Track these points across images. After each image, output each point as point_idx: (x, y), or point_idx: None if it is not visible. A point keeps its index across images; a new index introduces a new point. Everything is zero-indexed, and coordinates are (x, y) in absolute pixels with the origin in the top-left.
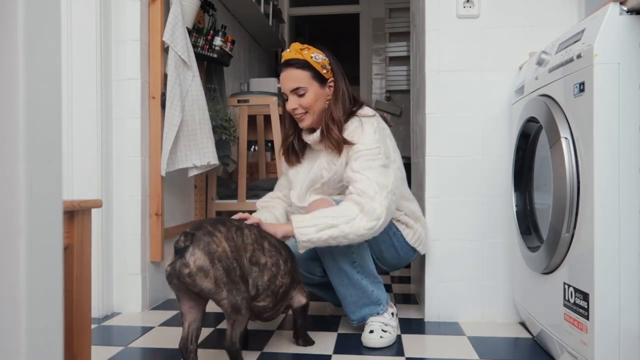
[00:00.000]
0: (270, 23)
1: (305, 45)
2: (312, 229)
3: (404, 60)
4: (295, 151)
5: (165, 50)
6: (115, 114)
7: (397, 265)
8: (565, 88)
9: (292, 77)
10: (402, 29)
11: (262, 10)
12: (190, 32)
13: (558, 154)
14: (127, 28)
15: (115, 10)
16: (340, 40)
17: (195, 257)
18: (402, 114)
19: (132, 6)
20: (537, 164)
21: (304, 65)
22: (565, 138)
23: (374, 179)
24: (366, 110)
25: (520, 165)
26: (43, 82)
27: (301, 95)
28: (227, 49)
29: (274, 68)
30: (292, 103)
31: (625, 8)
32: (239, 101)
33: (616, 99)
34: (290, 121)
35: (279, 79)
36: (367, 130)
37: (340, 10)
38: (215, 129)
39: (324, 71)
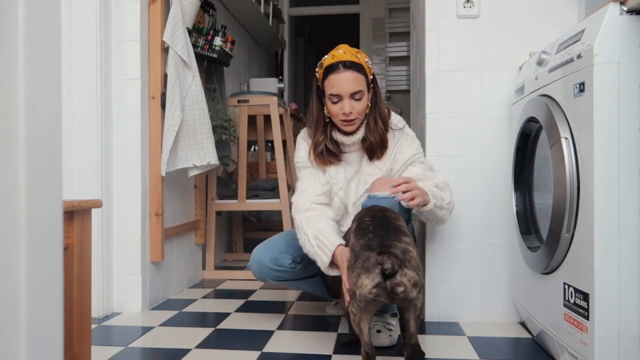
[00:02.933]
0: (270, 23)
1: (357, 49)
2: (433, 190)
3: (404, 60)
4: (335, 150)
5: (165, 50)
6: (115, 114)
7: None
8: (565, 88)
9: (353, 80)
10: (402, 29)
11: (262, 10)
12: (190, 32)
13: (558, 154)
14: (127, 28)
15: (115, 10)
16: (340, 40)
17: (408, 277)
18: (402, 114)
19: (132, 6)
20: (537, 164)
21: (360, 68)
22: (565, 138)
23: (435, 173)
24: (396, 119)
25: (520, 166)
26: (43, 82)
27: (358, 100)
28: (227, 49)
29: (274, 68)
30: (348, 107)
31: (625, 8)
32: (239, 101)
33: (616, 99)
34: (319, 123)
35: (281, 80)
36: (412, 138)
37: (340, 10)
38: (215, 129)
39: (371, 77)
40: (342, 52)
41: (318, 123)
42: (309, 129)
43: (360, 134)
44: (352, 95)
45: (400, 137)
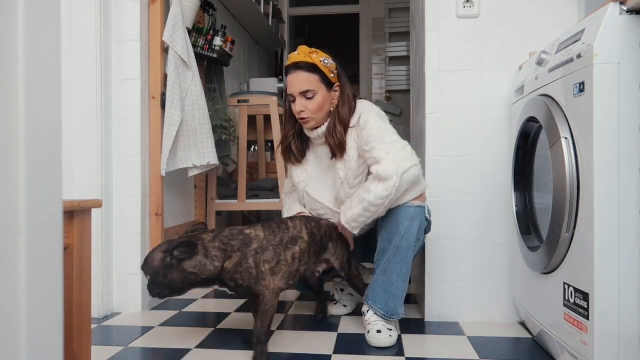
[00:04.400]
0: (270, 23)
1: (314, 49)
2: (349, 211)
3: (404, 60)
4: (296, 149)
5: (165, 50)
6: (115, 114)
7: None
8: (565, 88)
9: (302, 80)
10: (402, 29)
11: (262, 10)
12: (190, 32)
13: (558, 154)
14: (127, 28)
15: (115, 10)
16: (340, 40)
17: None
18: (402, 114)
19: (132, 6)
20: (537, 164)
21: (313, 68)
22: (565, 138)
23: (385, 144)
24: (357, 115)
25: (520, 165)
26: (43, 82)
27: (310, 99)
28: (227, 49)
29: (274, 68)
30: (300, 106)
31: (625, 8)
32: (239, 101)
33: (616, 99)
34: (290, 120)
35: (281, 80)
36: (368, 120)
37: (340, 10)
38: (215, 129)
39: (332, 75)
40: (296, 53)
41: (289, 120)
42: (282, 126)
43: (323, 129)
44: (303, 95)
45: (356, 131)
